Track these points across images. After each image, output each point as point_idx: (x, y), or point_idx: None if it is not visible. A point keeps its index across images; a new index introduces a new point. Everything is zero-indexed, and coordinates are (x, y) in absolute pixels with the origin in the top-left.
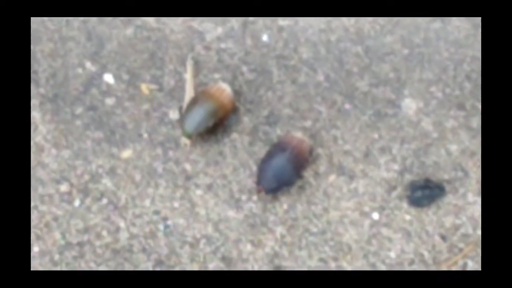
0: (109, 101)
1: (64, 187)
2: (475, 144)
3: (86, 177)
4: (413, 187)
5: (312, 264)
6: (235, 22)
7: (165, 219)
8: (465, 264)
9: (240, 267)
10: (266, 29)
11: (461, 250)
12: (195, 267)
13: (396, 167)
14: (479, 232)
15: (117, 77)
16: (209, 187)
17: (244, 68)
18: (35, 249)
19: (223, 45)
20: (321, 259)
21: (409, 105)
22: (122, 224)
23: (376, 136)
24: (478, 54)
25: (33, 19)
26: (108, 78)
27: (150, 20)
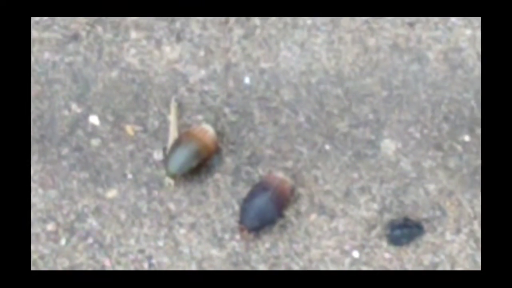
0: (95, 142)
1: (50, 226)
2: (453, 184)
3: (72, 216)
4: (392, 226)
5: None
6: (217, 64)
7: (149, 257)
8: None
9: None
10: (248, 72)
11: None
12: None
13: (375, 206)
14: (457, 269)
15: (102, 118)
16: (192, 226)
17: (227, 110)
18: None
19: (206, 87)
20: None
21: (388, 145)
22: (107, 263)
23: (356, 176)
24: (456, 95)
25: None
26: (94, 119)
27: (135, 63)
